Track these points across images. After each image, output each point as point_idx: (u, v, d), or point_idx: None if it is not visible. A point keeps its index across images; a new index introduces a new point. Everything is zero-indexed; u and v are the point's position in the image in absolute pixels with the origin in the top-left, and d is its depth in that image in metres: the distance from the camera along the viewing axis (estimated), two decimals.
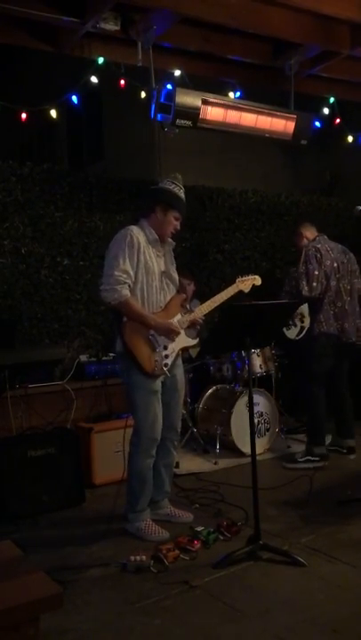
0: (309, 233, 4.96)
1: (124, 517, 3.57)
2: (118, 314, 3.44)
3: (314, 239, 4.90)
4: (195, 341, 3.73)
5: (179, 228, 3.62)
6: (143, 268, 3.45)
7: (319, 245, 4.79)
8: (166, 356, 3.50)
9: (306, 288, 4.62)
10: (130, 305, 3.39)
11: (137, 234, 3.46)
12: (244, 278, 3.84)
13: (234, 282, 3.82)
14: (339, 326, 4.69)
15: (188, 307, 3.80)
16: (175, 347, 3.56)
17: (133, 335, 3.41)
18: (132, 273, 3.40)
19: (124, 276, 3.36)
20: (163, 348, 3.49)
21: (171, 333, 3.49)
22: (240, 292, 3.85)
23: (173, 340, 3.53)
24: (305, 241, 4.91)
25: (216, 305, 3.70)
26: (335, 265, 4.76)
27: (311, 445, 4.69)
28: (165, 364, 3.50)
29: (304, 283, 4.63)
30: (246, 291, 3.87)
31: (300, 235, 4.98)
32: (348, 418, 4.86)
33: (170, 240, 3.66)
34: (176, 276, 3.69)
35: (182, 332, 3.58)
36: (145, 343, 3.43)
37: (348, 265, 4.88)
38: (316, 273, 4.65)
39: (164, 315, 3.53)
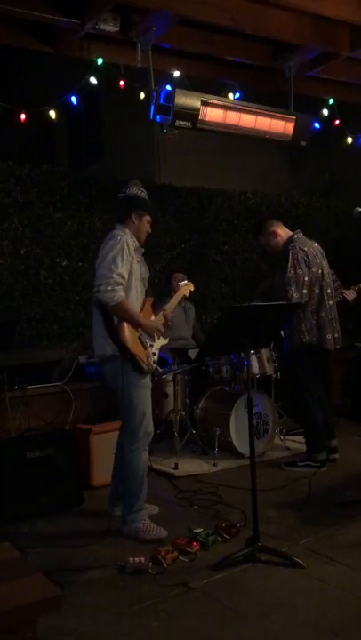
0: (282, 231, 4.71)
1: (123, 520, 3.56)
2: (108, 316, 3.49)
3: (291, 238, 4.64)
4: (167, 340, 3.93)
5: (150, 231, 3.77)
6: (133, 274, 3.55)
7: (306, 249, 4.55)
8: (153, 354, 3.66)
9: (296, 295, 4.41)
10: (127, 306, 3.46)
11: (128, 240, 3.54)
12: (186, 282, 4.24)
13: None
14: (321, 336, 4.56)
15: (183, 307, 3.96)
16: (156, 345, 3.70)
17: (130, 335, 3.49)
18: (126, 277, 3.48)
19: (120, 278, 3.43)
20: (150, 347, 3.63)
21: (158, 333, 3.67)
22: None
23: (155, 340, 3.69)
24: (279, 239, 4.66)
25: (175, 305, 4.01)
26: (320, 272, 4.57)
27: (311, 453, 4.68)
28: (154, 361, 3.67)
29: (293, 289, 4.43)
30: (187, 295, 4.24)
31: (271, 233, 4.68)
32: (329, 419, 4.83)
33: None
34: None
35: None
36: (139, 342, 3.55)
37: (327, 267, 4.70)
38: (307, 279, 4.47)
39: (143, 316, 3.65)
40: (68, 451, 4.08)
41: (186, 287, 4.21)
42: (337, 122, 6.27)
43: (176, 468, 4.67)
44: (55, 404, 4.98)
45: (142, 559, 3.06)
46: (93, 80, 5.15)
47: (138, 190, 3.71)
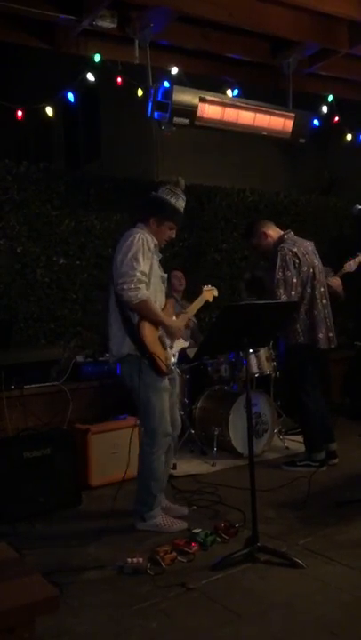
0: (272, 231, 4.67)
1: (140, 517, 3.55)
2: (126, 315, 3.45)
3: (281, 238, 4.60)
4: (188, 342, 3.93)
5: (174, 236, 3.67)
6: (153, 272, 3.51)
7: (295, 249, 4.49)
8: (173, 355, 3.67)
9: (284, 297, 4.37)
10: (150, 304, 3.43)
11: (148, 237, 3.50)
12: (210, 287, 4.14)
13: (201, 291, 4.13)
14: (315, 336, 4.52)
15: (180, 306, 4.10)
16: (176, 346, 3.72)
17: (150, 335, 3.45)
18: (147, 275, 3.44)
19: (143, 276, 3.39)
20: (170, 348, 3.61)
21: (180, 333, 3.68)
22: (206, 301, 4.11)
23: (175, 340, 3.70)
24: (270, 239, 4.63)
25: (196, 309, 4.05)
26: (311, 271, 4.53)
27: (310, 453, 4.66)
28: (173, 363, 3.66)
29: (282, 290, 4.39)
30: (210, 300, 4.14)
31: (262, 234, 4.64)
32: (327, 422, 4.80)
33: None
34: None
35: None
36: (158, 343, 3.51)
37: (319, 265, 4.66)
38: (295, 280, 4.43)
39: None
40: (66, 450, 4.06)
41: (209, 292, 4.12)
42: (336, 119, 6.25)
43: (175, 467, 4.64)
44: (53, 404, 4.96)
45: (141, 560, 3.04)
46: (91, 77, 5.12)
47: (169, 195, 3.56)
